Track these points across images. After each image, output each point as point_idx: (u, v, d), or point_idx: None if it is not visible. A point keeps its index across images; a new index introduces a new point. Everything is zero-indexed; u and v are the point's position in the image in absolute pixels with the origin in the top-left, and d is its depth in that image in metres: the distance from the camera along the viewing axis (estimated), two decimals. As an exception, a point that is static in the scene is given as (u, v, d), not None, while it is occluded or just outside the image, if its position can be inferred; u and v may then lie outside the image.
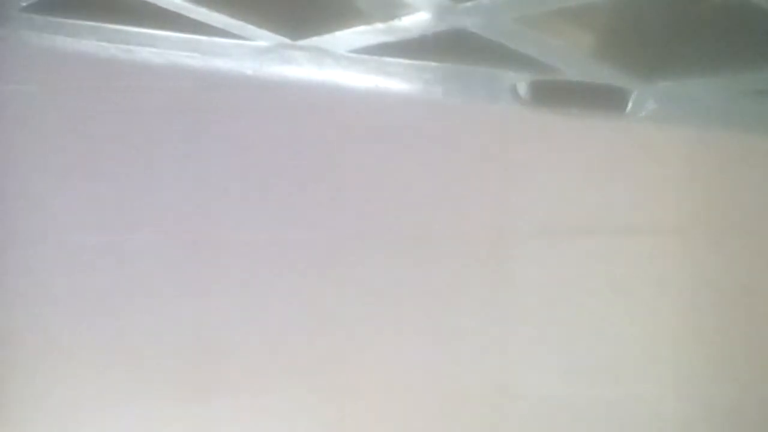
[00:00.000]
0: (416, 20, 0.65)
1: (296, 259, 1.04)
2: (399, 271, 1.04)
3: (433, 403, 1.05)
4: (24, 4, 0.71)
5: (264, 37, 0.70)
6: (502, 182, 0.98)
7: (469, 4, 0.61)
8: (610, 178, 0.97)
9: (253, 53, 0.73)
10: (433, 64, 0.72)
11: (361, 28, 0.67)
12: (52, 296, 1.07)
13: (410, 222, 1.01)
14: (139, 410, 1.07)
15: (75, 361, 1.08)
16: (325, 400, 1.06)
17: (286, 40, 0.70)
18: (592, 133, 0.92)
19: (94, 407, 1.09)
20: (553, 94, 0.75)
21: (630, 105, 0.76)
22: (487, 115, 0.89)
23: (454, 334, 1.06)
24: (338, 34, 0.69)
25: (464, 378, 1.06)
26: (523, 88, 0.76)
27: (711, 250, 0.98)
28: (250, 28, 0.69)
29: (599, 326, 1.05)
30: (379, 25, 0.66)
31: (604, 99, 0.75)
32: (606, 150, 0.95)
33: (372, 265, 1.04)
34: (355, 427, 1.06)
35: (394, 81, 0.79)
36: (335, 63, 0.73)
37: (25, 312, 1.07)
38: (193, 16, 0.68)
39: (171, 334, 1.08)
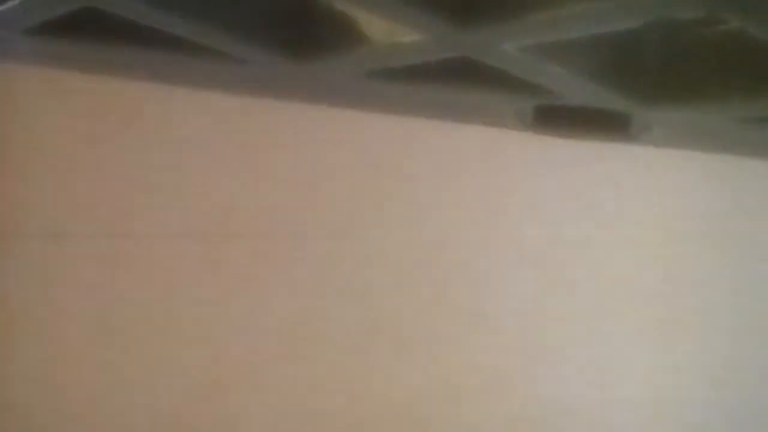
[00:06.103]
0: (418, 46, 0.65)
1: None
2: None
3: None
4: (25, 27, 0.71)
5: (266, 60, 0.70)
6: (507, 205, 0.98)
7: (470, 32, 0.61)
8: (611, 199, 0.97)
9: (255, 75, 0.74)
10: (435, 88, 0.73)
11: (364, 52, 0.67)
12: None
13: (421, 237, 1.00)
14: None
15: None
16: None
17: (288, 63, 0.70)
18: (594, 157, 0.92)
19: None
20: (556, 118, 0.75)
21: (631, 130, 0.76)
22: (488, 139, 0.89)
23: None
24: (340, 57, 0.69)
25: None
26: (525, 113, 0.76)
27: (714, 273, 0.98)
28: (252, 51, 0.69)
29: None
30: (382, 50, 0.67)
31: (606, 124, 0.75)
32: (607, 173, 0.95)
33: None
34: None
35: (395, 105, 0.79)
36: (336, 86, 0.74)
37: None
38: (194, 39, 0.68)
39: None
